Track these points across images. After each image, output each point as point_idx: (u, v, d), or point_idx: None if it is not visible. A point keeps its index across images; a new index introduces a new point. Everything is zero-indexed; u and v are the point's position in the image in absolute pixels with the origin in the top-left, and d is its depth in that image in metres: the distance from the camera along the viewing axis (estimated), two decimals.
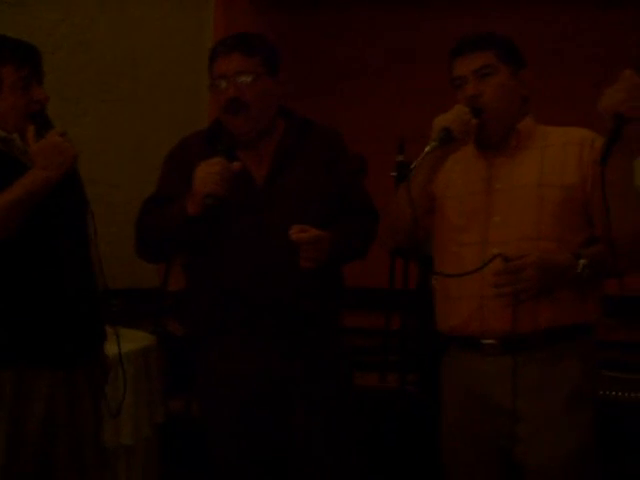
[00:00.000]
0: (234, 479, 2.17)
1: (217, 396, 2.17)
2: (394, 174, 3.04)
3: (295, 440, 2.14)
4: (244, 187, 2.09)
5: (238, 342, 2.12)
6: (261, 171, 2.14)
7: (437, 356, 2.12)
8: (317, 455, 2.14)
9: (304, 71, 4.54)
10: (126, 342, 2.93)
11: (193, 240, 2.12)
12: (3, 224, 1.92)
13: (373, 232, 2.24)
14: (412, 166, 1.92)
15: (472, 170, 2.05)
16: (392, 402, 2.79)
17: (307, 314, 2.11)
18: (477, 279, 1.89)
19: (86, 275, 2.12)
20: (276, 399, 2.12)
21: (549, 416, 1.91)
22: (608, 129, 1.70)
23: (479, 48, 1.98)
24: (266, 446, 2.14)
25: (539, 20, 4.57)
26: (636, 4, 4.27)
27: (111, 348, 2.25)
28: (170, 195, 2.13)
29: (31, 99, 2.00)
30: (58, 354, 2.02)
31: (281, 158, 2.14)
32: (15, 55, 1.98)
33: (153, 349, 3.07)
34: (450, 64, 2.01)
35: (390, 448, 2.82)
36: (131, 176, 3.76)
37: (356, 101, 4.77)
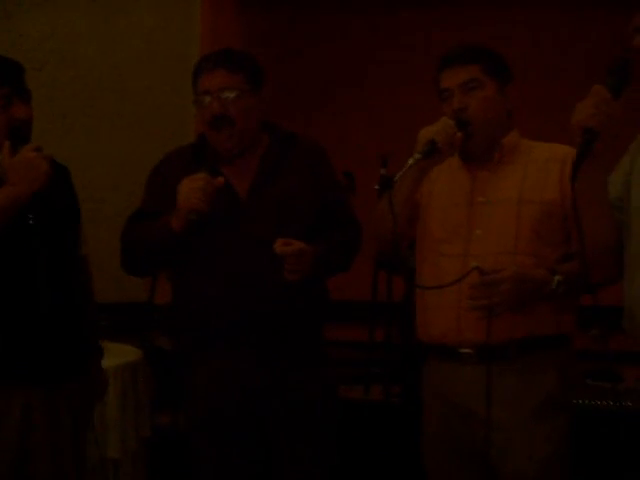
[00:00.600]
0: None
1: (203, 409, 2.17)
2: (377, 187, 3.06)
3: (279, 453, 2.15)
4: (227, 201, 2.11)
5: (222, 355, 2.13)
6: (244, 185, 2.15)
7: (420, 367, 2.15)
8: (301, 468, 2.14)
9: (292, 82, 4.57)
10: (113, 357, 2.94)
11: (177, 255, 2.14)
12: None
13: (356, 245, 2.26)
14: (395, 178, 1.94)
15: (456, 182, 2.07)
16: (377, 414, 2.80)
17: (291, 327, 2.12)
18: (455, 290, 1.91)
19: (67, 291, 2.10)
20: (260, 412, 2.13)
21: (523, 425, 1.93)
22: (578, 144, 1.73)
23: (466, 61, 1.99)
24: (250, 459, 2.15)
25: (533, 24, 4.60)
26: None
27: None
28: (154, 210, 2.14)
29: (12, 117, 2.00)
30: (33, 372, 2.01)
31: (264, 172, 2.16)
32: None
33: (140, 363, 3.08)
34: (437, 76, 2.03)
35: (375, 459, 2.83)
36: (117, 191, 3.77)
37: (344, 111, 4.79)
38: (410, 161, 1.91)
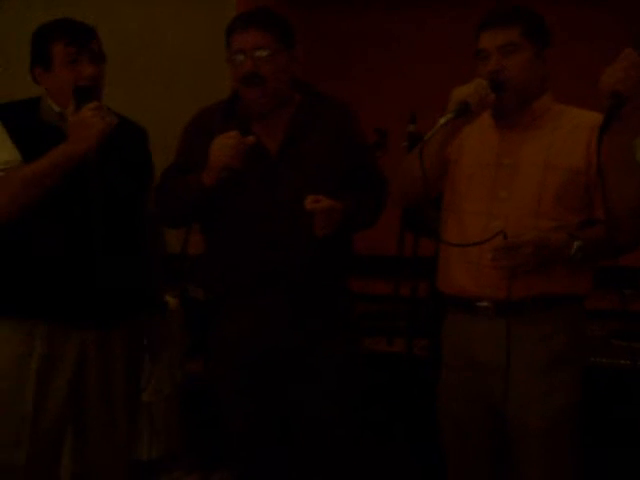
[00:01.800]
0: (242, 438, 2.27)
1: (226, 357, 2.26)
2: (405, 144, 3.08)
3: (300, 402, 2.23)
4: (258, 158, 2.17)
5: (249, 306, 2.22)
6: (275, 143, 2.21)
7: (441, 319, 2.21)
8: (321, 417, 2.22)
9: (321, 47, 4.56)
10: None
11: (210, 209, 2.21)
12: (26, 193, 2.03)
13: (382, 202, 2.31)
14: (426, 137, 1.97)
15: (485, 141, 2.10)
16: (399, 365, 2.87)
17: (317, 280, 2.18)
18: (477, 247, 1.97)
19: (128, 244, 2.21)
20: (284, 365, 2.20)
21: (536, 376, 1.99)
22: (606, 107, 1.74)
23: (506, 23, 1.99)
24: (271, 406, 2.24)
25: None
26: None
27: None
28: (188, 164, 2.22)
29: (79, 75, 2.10)
30: (88, 315, 2.14)
31: (294, 130, 2.21)
32: (64, 33, 2.10)
33: (175, 313, 3.18)
34: (476, 35, 2.04)
35: (396, 408, 2.90)
36: (155, 145, 3.79)
37: (376, 68, 4.78)
38: (441, 120, 1.94)
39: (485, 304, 2.03)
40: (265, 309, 2.20)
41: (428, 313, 2.98)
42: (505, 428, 2.04)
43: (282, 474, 2.26)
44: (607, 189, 1.79)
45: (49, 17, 2.22)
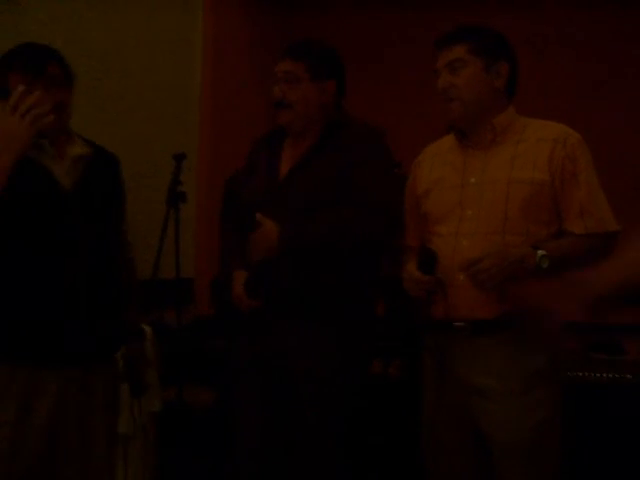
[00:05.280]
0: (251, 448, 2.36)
1: (236, 371, 2.39)
2: None
3: (295, 414, 2.31)
4: (268, 180, 2.32)
5: (251, 322, 2.33)
6: (287, 166, 2.33)
7: (420, 340, 2.20)
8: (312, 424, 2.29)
9: None
10: None
11: None
12: None
13: (354, 228, 2.25)
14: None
15: (451, 164, 2.12)
16: (376, 386, 2.86)
17: (310, 301, 2.25)
18: (449, 272, 2.00)
19: (105, 276, 2.14)
20: (286, 370, 2.28)
21: (512, 394, 1.98)
22: None
23: (452, 42, 2.06)
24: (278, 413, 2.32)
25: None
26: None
27: None
28: (244, 174, 2.47)
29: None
30: (66, 355, 2.06)
31: (306, 157, 2.29)
32: (20, 62, 2.05)
33: (149, 340, 3.13)
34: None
35: (374, 431, 2.88)
36: (123, 168, 3.77)
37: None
38: None
39: (461, 324, 2.02)
40: (263, 325, 2.30)
41: (402, 334, 2.97)
42: (487, 445, 2.03)
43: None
44: None
45: (18, 40, 2.18)
